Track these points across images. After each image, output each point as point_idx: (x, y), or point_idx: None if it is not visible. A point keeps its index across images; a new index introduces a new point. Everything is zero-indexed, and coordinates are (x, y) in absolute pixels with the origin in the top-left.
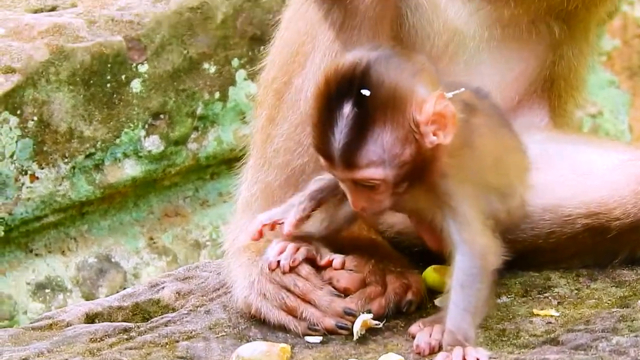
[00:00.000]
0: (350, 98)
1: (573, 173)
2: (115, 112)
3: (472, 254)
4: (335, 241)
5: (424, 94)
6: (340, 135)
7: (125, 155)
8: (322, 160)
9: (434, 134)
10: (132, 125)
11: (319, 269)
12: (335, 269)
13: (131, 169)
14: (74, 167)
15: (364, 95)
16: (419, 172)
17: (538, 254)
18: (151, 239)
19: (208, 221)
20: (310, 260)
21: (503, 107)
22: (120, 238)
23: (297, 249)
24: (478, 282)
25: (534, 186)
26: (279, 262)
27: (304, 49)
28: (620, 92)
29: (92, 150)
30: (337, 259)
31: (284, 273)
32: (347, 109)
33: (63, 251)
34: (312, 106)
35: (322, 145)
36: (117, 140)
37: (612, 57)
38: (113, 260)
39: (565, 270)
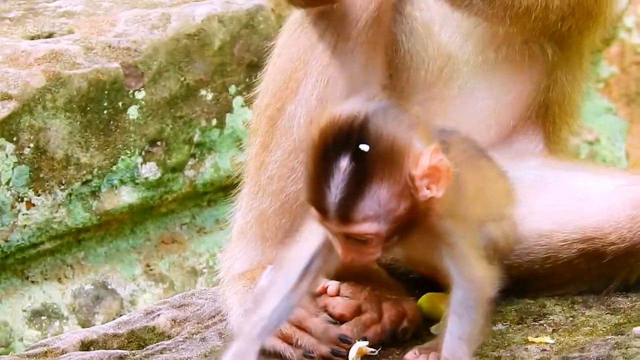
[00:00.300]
0: (348, 152)
1: (569, 198)
2: (112, 138)
3: (469, 286)
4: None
5: (419, 148)
6: (336, 189)
7: (122, 182)
8: (315, 212)
9: (428, 188)
10: (129, 152)
11: (314, 295)
12: (331, 296)
13: (128, 196)
14: (70, 194)
15: (362, 149)
16: (411, 224)
17: (534, 279)
18: (148, 266)
19: (205, 248)
20: None
21: (480, 138)
22: (117, 265)
23: None
24: (474, 312)
25: (531, 212)
26: None
27: (296, 76)
28: (618, 119)
29: (89, 177)
30: (332, 285)
31: None
32: (345, 163)
33: (59, 278)
34: (308, 158)
35: (317, 198)
36: (114, 167)
37: (609, 84)
38: (109, 287)
39: (561, 298)
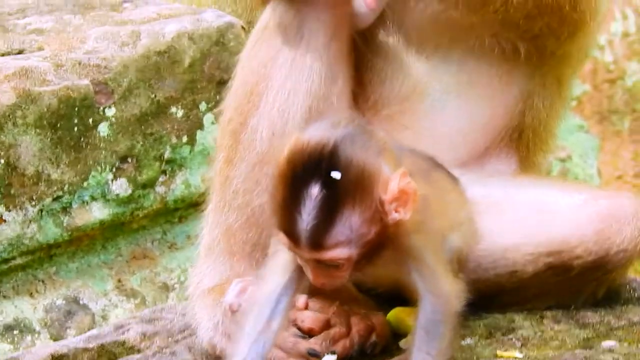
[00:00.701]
0: (319, 180)
1: (535, 212)
2: (82, 155)
3: (435, 301)
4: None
5: (388, 173)
6: (308, 216)
7: (93, 199)
8: (285, 239)
9: (396, 211)
10: (99, 168)
11: None
12: (299, 310)
13: (99, 212)
14: (41, 210)
15: (334, 177)
16: (381, 246)
17: (501, 294)
18: (119, 281)
19: (176, 264)
20: None
21: (451, 156)
22: (88, 280)
23: None
24: (442, 326)
25: (497, 226)
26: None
27: (257, 89)
28: (590, 136)
29: (60, 193)
30: (301, 299)
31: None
32: (316, 190)
33: (31, 293)
34: (276, 185)
35: (288, 225)
36: (85, 184)
37: (581, 101)
38: (81, 302)
39: (529, 312)
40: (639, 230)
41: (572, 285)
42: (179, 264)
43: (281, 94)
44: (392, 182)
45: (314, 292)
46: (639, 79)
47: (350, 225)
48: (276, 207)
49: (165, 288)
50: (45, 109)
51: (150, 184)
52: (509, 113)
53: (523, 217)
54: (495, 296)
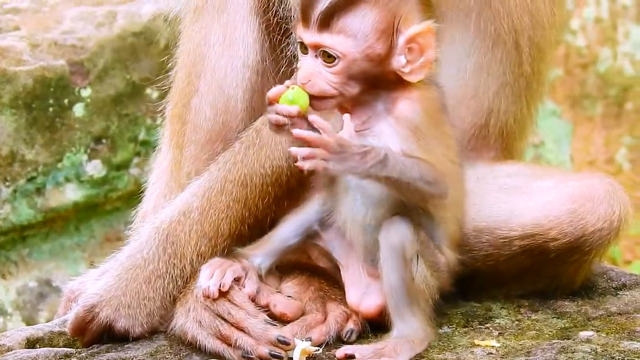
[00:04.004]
0: None
1: (507, 195)
2: (57, 136)
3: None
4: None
5: (416, 15)
6: None
7: (67, 180)
8: (299, 20)
9: (406, 60)
10: (74, 149)
11: (254, 295)
12: (272, 293)
13: (73, 193)
14: (15, 191)
15: None
16: (373, 84)
17: (478, 277)
18: (92, 263)
19: None
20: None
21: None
22: (62, 262)
23: (224, 273)
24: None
25: (471, 210)
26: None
27: (195, 70)
28: (563, 122)
29: (34, 174)
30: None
31: (213, 300)
32: None
33: (3, 274)
34: None
35: (308, 4)
36: (59, 165)
37: (554, 86)
38: (54, 284)
39: (507, 301)
40: (612, 209)
41: (550, 269)
42: None
43: (218, 72)
44: (415, 25)
45: (288, 272)
46: (611, 64)
47: (362, 21)
48: None
49: None
50: (21, 89)
51: (124, 166)
52: (491, 108)
53: (496, 200)
54: (471, 280)
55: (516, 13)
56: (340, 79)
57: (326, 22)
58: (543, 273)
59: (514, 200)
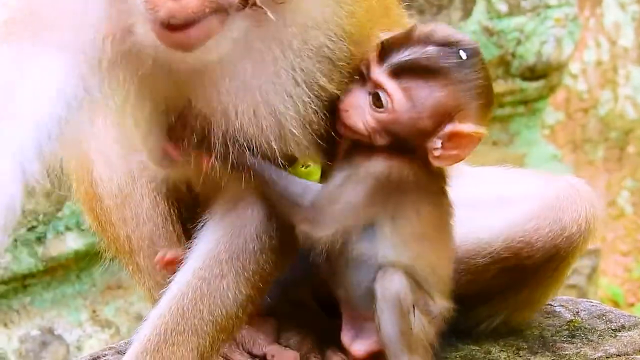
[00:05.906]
0: (443, 47)
1: (470, 221)
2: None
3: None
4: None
5: (474, 116)
6: (407, 50)
7: (67, 229)
8: (377, 52)
9: (443, 147)
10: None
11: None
12: (269, 344)
13: (73, 242)
14: (16, 240)
15: (463, 51)
16: (397, 146)
17: (465, 301)
18: (94, 311)
19: None
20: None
21: None
22: (63, 310)
23: None
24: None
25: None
26: None
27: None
28: (563, 165)
29: (34, 223)
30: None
31: None
32: (430, 49)
33: (5, 323)
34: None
35: (396, 45)
36: (59, 214)
37: (555, 130)
38: (56, 332)
39: (506, 344)
40: (578, 213)
41: (531, 279)
42: None
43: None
44: (470, 125)
45: (283, 319)
46: (612, 107)
47: (428, 94)
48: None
49: (140, 318)
50: None
51: None
52: None
53: (459, 227)
54: (464, 316)
55: None
56: (377, 126)
57: (399, 72)
58: (524, 284)
59: (480, 225)
